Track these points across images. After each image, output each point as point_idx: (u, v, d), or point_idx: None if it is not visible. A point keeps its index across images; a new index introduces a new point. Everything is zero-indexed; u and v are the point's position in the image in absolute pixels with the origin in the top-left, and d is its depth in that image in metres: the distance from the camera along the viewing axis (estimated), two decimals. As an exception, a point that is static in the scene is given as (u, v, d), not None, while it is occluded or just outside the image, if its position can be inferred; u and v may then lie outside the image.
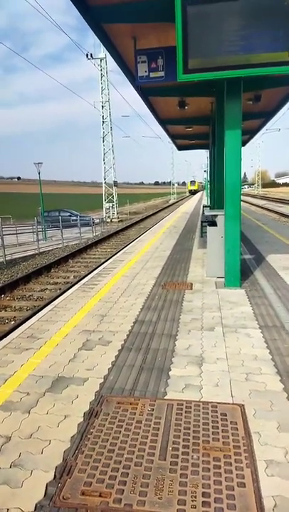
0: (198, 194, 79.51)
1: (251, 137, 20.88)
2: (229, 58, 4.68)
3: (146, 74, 6.74)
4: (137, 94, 10.26)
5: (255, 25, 4.58)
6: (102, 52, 32.28)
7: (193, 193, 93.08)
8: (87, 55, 30.42)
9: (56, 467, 2.29)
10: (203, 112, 13.15)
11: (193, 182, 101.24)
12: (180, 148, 25.36)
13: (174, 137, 20.42)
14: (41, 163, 22.10)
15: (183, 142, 22.11)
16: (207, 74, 4.79)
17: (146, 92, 9.96)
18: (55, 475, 2.23)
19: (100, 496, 2.09)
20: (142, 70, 6.73)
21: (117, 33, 6.99)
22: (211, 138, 14.79)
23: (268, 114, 14.30)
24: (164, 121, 15.14)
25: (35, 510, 2.00)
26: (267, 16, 4.53)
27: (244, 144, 22.11)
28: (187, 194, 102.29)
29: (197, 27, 4.60)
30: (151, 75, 6.72)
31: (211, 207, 13.52)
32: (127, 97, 28.50)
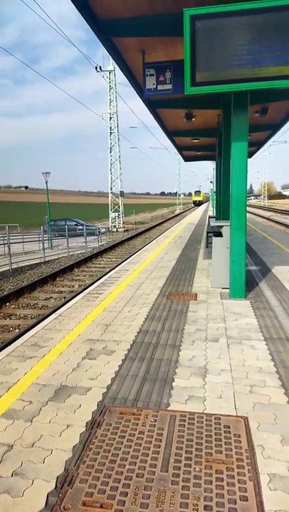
0: (204, 205, 77.39)
1: (258, 149, 20.98)
2: (236, 72, 4.73)
3: (154, 87, 6.83)
4: (145, 106, 10.40)
5: (262, 39, 4.64)
6: (111, 64, 32.84)
7: (198, 204, 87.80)
8: (96, 68, 30.88)
9: (58, 477, 2.28)
10: (210, 124, 13.27)
11: (198, 192, 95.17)
12: (187, 159, 25.53)
13: (180, 149, 20.58)
14: (49, 172, 22.34)
15: (190, 153, 22.26)
16: (214, 87, 4.85)
17: (154, 104, 10.09)
18: (56, 485, 2.22)
19: (101, 507, 2.07)
20: (150, 83, 6.83)
21: (125, 47, 7.13)
22: (217, 149, 14.88)
23: (274, 127, 14.38)
24: (171, 133, 15.28)
25: (35, 519, 1.99)
26: (274, 30, 4.59)
27: (251, 155, 22.22)
28: (192, 205, 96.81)
29: (205, 41, 4.67)
30: (159, 87, 6.82)
31: (217, 218, 13.55)
32: (135, 109, 28.84)
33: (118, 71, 33.68)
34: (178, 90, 6.64)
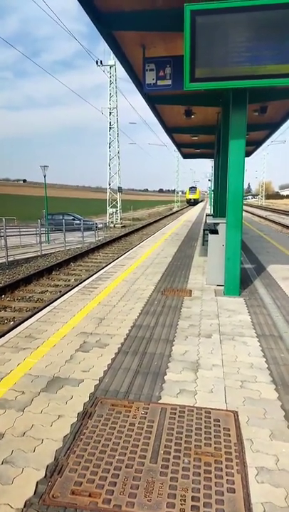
0: (201, 204, 69.76)
1: (256, 148, 20.99)
2: (236, 69, 4.74)
3: (154, 82, 6.83)
4: (145, 102, 10.38)
5: (262, 36, 4.64)
6: (112, 59, 32.71)
7: (193, 203, 72.21)
8: (97, 62, 30.73)
9: (47, 466, 2.30)
10: (209, 121, 13.26)
11: (193, 189, 76.60)
12: (185, 156, 25.52)
13: (179, 145, 20.57)
14: (47, 166, 22.24)
15: (188, 151, 22.25)
16: (213, 83, 4.86)
17: (154, 99, 10.07)
18: (46, 473, 2.24)
19: (90, 496, 2.09)
20: (150, 78, 6.82)
21: (126, 41, 7.10)
22: (216, 147, 14.88)
23: (273, 126, 14.39)
24: (170, 130, 15.26)
25: (24, 507, 2.01)
26: (274, 28, 4.59)
27: (249, 154, 22.25)
28: (176, 207, 77.38)
29: (205, 37, 4.67)
30: (159, 82, 6.81)
31: (214, 215, 13.58)
32: (135, 105, 28.76)
33: (119, 66, 33.53)
34: (177, 86, 6.64)
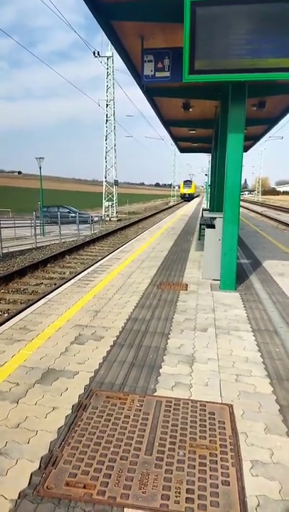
0: (197, 199, 65.65)
1: (254, 143, 20.94)
2: (236, 61, 4.69)
3: (152, 73, 6.75)
4: (142, 95, 10.28)
5: (263, 30, 4.60)
6: (110, 50, 32.38)
7: (188, 198, 66.43)
8: (94, 53, 30.44)
9: (42, 457, 2.29)
10: (207, 115, 13.18)
11: (188, 183, 70.31)
12: (182, 150, 25.41)
13: (176, 139, 20.45)
14: (43, 158, 22.07)
15: (185, 145, 22.14)
16: (213, 76, 4.81)
17: (152, 91, 9.98)
18: (40, 465, 2.23)
19: (84, 487, 2.09)
20: (148, 70, 6.74)
21: (125, 32, 7.00)
22: (213, 142, 14.82)
23: (271, 121, 14.34)
24: (167, 123, 15.16)
25: (18, 498, 2.00)
26: (275, 22, 4.55)
27: (247, 149, 22.19)
28: (172, 201, 72.39)
29: (205, 28, 4.62)
30: (157, 74, 6.74)
31: (211, 211, 13.56)
32: (132, 97, 28.56)
33: (116, 57, 33.24)
34: (176, 78, 6.57)
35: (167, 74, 6.74)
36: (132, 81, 9.24)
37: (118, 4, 6.07)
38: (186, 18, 4.60)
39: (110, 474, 2.18)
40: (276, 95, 10.05)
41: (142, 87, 8.93)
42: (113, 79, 33.95)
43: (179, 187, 73.88)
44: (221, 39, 4.67)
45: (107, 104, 34.60)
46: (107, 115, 34.81)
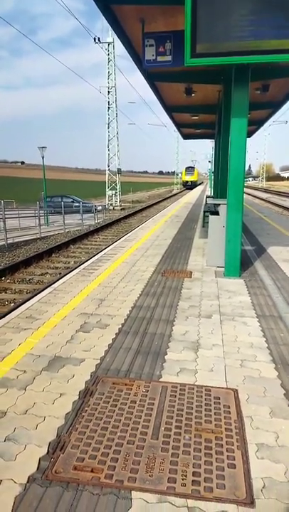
0: (200, 187, 63.11)
1: (258, 128, 20.67)
2: (238, 44, 4.60)
3: (154, 58, 6.65)
4: (144, 81, 10.15)
5: (265, 10, 4.49)
6: (110, 36, 31.90)
7: (190, 186, 62.92)
8: (94, 39, 30.01)
9: (50, 442, 2.33)
10: (210, 100, 13.00)
11: (190, 169, 65.61)
12: (186, 137, 25.17)
13: (179, 126, 20.24)
14: (45, 147, 21.90)
15: (189, 131, 21.92)
16: (215, 59, 4.72)
17: (153, 77, 9.84)
18: (48, 450, 2.27)
19: (92, 471, 2.12)
20: (150, 54, 6.64)
21: (125, 16, 6.88)
22: (217, 127, 14.65)
23: (275, 105, 14.13)
24: (170, 109, 14.98)
25: (27, 482, 2.04)
26: (278, 2, 4.44)
27: (250, 134, 21.92)
28: (176, 189, 70.54)
29: (206, 10, 4.52)
30: (159, 58, 6.63)
31: (215, 197, 13.47)
32: (134, 84, 28.21)
33: (117, 43, 32.78)
34: (178, 62, 6.46)
35: (169, 58, 6.63)
36: (134, 67, 9.13)
37: (117, -13, 5.96)
38: (186, 0, 4.50)
39: (117, 458, 2.21)
40: (280, 78, 9.87)
41: (143, 72, 8.82)
42: (114, 65, 33.55)
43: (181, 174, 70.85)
44: (223, 21, 4.57)
45: (108, 91, 34.24)
46: (108, 102, 34.48)
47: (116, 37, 7.93)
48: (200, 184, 72.59)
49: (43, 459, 2.20)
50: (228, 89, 8.84)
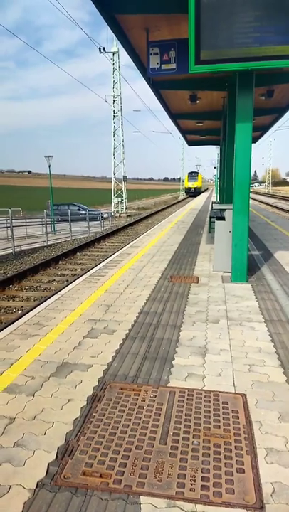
0: (205, 193, 58.98)
1: (263, 134, 20.70)
2: (242, 50, 4.64)
3: (158, 66, 6.72)
4: (149, 89, 10.24)
5: (268, 16, 4.54)
6: (115, 46, 32.29)
7: (193, 193, 57.37)
8: (100, 49, 30.37)
9: (58, 448, 2.33)
10: (214, 106, 13.07)
11: (193, 175, 58.94)
12: (191, 143, 25.26)
13: (184, 132, 20.34)
14: (52, 156, 22.13)
15: (194, 137, 22.01)
16: (219, 65, 4.77)
17: (158, 85, 9.93)
18: (57, 455, 2.27)
19: (101, 476, 2.12)
20: (154, 62, 6.72)
21: (130, 25, 6.97)
22: (222, 133, 14.70)
23: (280, 110, 14.15)
24: (175, 116, 15.08)
25: (36, 487, 2.04)
26: (281, 8, 4.48)
27: (255, 140, 21.97)
28: (182, 195, 64.94)
29: (210, 18, 4.57)
30: (163, 67, 6.71)
31: (221, 203, 13.47)
32: (139, 92, 28.45)
33: (122, 53, 33.13)
34: (182, 70, 6.53)
35: (173, 66, 6.70)
36: (139, 75, 9.23)
37: (122, -3, 6.05)
38: (190, 8, 4.56)
39: (126, 463, 2.20)
40: (284, 84, 9.91)
41: (148, 80, 8.91)
42: (119, 74, 33.86)
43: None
44: (227, 28, 4.62)
45: (114, 100, 34.54)
46: (114, 111, 34.77)
47: (121, 46, 8.04)
48: (205, 191, 67.80)
49: (51, 464, 2.20)
50: (232, 95, 8.88)
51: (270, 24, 4.56)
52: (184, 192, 69.66)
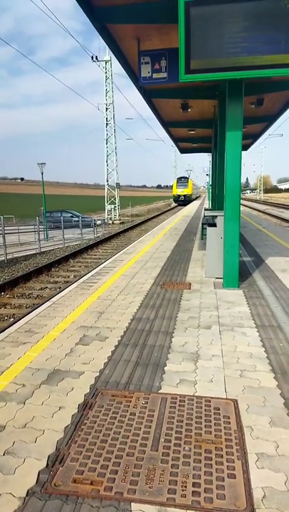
0: (197, 201, 52.27)
1: (254, 141, 20.94)
2: (231, 60, 4.72)
3: (150, 75, 6.80)
4: (141, 97, 10.33)
5: (257, 27, 4.63)
6: (107, 54, 32.59)
7: (182, 201, 49.58)
8: (92, 58, 30.60)
9: (49, 456, 2.32)
10: (206, 115, 13.22)
11: (183, 181, 51.76)
12: (183, 151, 25.46)
13: (176, 140, 20.51)
14: (44, 163, 22.13)
15: (186, 145, 22.19)
16: (209, 75, 4.84)
17: (150, 93, 10.04)
18: (47, 463, 2.26)
19: (92, 484, 2.11)
20: (145, 71, 6.79)
21: (121, 34, 7.06)
22: (213, 141, 14.85)
23: (270, 119, 14.35)
24: (167, 124, 15.21)
25: (26, 495, 2.02)
26: (269, 18, 4.58)
27: (246, 148, 22.19)
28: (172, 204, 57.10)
29: (200, 28, 4.65)
30: (154, 75, 6.78)
31: (212, 210, 13.56)
32: (131, 100, 28.68)
33: (114, 61, 33.43)
34: (173, 79, 6.61)
35: (164, 75, 6.78)
36: (131, 84, 9.31)
37: (113, 7, 6.13)
38: (180, 19, 4.64)
39: (117, 470, 2.20)
40: (273, 92, 10.06)
41: (140, 89, 8.99)
42: (112, 83, 34.13)
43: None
44: (216, 38, 4.70)
45: (106, 108, 34.77)
46: (106, 119, 34.98)
47: (113, 55, 8.11)
48: (196, 199, 61.58)
49: (42, 472, 2.19)
50: (222, 103, 8.98)
51: (258, 34, 4.65)
52: None
